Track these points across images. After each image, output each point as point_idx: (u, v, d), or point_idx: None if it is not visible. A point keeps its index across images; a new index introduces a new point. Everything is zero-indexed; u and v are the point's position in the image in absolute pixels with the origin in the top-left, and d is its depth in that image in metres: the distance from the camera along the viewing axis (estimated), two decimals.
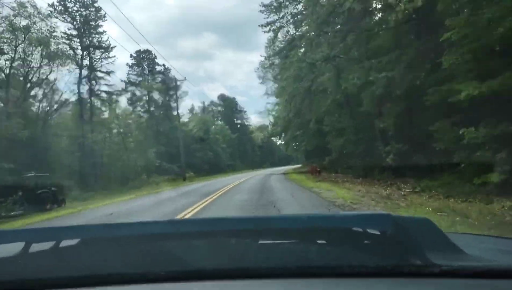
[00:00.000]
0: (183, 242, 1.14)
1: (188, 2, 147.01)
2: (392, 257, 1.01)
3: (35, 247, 1.11)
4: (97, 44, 34.68)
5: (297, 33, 23.47)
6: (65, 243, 1.13)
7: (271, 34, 25.32)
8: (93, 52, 34.58)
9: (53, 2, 32.24)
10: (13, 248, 1.09)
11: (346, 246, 1.07)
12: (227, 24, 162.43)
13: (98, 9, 33.64)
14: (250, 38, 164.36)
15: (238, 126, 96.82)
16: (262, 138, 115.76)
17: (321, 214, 2.97)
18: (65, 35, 32.29)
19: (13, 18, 25.11)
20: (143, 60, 47.73)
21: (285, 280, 0.98)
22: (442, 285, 0.92)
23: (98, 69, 34.91)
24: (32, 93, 29.36)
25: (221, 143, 67.90)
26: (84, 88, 33.79)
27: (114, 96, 37.16)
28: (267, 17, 23.14)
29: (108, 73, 35.30)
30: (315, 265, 1.02)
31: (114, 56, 36.86)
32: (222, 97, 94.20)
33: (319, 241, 1.11)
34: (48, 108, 30.52)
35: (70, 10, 33.07)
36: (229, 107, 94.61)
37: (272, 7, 22.76)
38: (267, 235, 1.15)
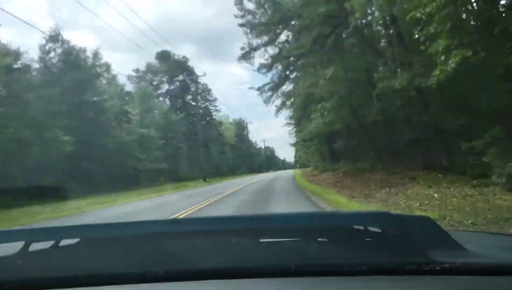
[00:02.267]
0: (183, 241, 1.14)
1: (165, 12, 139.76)
2: (393, 254, 1.01)
3: (35, 247, 1.10)
4: None
5: None
6: (64, 242, 1.13)
7: None
8: None
9: None
10: (13, 247, 1.08)
11: (347, 244, 1.07)
12: (205, 35, 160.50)
13: None
14: (229, 49, 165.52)
15: (200, 110, 58.25)
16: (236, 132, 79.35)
17: (322, 212, 3.00)
18: None
19: None
20: None
21: (286, 278, 0.97)
22: (443, 283, 0.92)
23: None
24: None
25: (144, 126, 30.43)
26: None
27: None
28: None
29: None
30: (316, 263, 1.01)
31: None
32: (162, 56, 54.48)
33: (319, 239, 1.10)
34: None
35: None
36: (175, 72, 56.14)
37: None
38: (268, 233, 1.14)
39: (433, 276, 0.92)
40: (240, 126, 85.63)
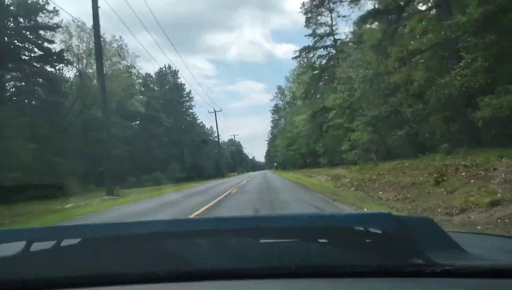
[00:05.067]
0: (184, 241, 1.15)
1: None
2: (394, 256, 1.02)
3: (36, 246, 1.10)
4: None
5: None
6: (66, 242, 1.13)
7: None
8: None
9: None
10: (14, 247, 1.09)
11: (348, 245, 1.08)
12: (168, 24, 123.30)
13: None
14: (193, 40, 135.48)
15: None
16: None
17: (322, 213, 2.86)
18: None
19: None
20: None
21: (286, 279, 0.99)
22: (443, 285, 0.93)
23: None
24: None
25: None
26: None
27: None
28: None
29: None
30: (316, 264, 1.02)
31: None
32: None
33: (320, 240, 1.11)
34: None
35: None
36: None
37: None
38: (268, 234, 1.15)
39: (433, 278, 0.93)
40: (176, 88, 50.60)
